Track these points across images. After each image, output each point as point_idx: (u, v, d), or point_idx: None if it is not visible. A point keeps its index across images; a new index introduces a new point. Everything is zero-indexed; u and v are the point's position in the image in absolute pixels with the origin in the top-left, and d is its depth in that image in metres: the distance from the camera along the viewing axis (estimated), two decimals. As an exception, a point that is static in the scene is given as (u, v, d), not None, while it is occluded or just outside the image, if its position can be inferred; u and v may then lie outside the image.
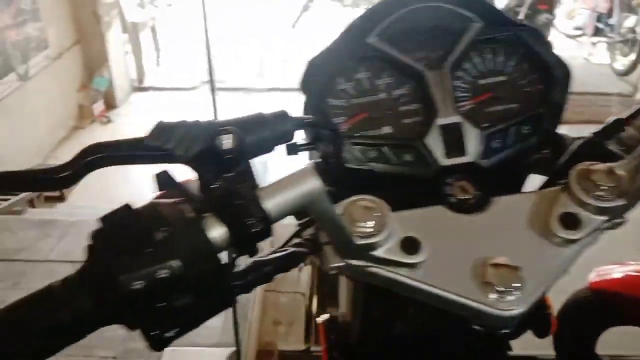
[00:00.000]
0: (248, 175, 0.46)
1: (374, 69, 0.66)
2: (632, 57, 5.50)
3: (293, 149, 0.60)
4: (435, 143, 0.62)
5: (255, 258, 0.51)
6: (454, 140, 0.63)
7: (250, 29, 7.10)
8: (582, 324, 1.59)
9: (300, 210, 0.46)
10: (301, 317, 2.55)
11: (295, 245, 0.57)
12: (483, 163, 0.63)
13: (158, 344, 0.42)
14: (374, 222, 0.53)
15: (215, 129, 0.45)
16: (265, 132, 0.49)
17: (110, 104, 5.59)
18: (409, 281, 0.55)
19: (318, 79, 0.64)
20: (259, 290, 2.56)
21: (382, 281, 0.57)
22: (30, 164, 4.59)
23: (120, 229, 0.39)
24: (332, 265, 0.57)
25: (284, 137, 0.51)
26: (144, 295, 0.38)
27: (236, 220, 0.42)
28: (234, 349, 2.22)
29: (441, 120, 0.63)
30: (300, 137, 0.65)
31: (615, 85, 5.42)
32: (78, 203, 4.17)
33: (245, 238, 0.42)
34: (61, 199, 4.32)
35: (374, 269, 0.56)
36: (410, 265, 0.54)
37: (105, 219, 0.40)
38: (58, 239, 3.17)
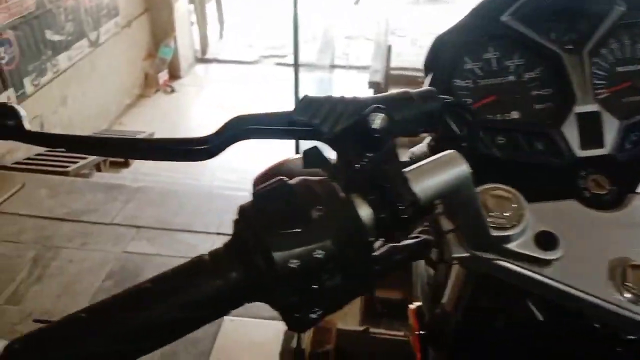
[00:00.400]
0: (393, 156, 0.44)
1: (504, 49, 0.62)
2: None
3: (432, 128, 0.57)
4: (571, 132, 0.59)
5: (391, 244, 0.49)
6: (590, 130, 0.59)
7: (313, 4, 7.05)
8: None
9: (446, 195, 0.44)
10: (357, 300, 2.56)
11: (421, 232, 0.54)
12: (619, 156, 0.59)
13: (300, 325, 0.40)
14: (510, 213, 0.50)
15: (362, 106, 0.43)
16: (412, 111, 0.46)
17: (174, 74, 5.69)
18: (541, 278, 0.52)
19: (445, 56, 0.61)
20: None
21: (511, 276, 0.54)
22: (97, 129, 4.74)
23: (274, 203, 0.38)
24: (455, 255, 0.54)
25: (430, 118, 0.48)
26: (299, 275, 0.37)
27: (385, 204, 0.40)
28: (291, 323, 2.24)
29: (579, 108, 0.59)
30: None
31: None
32: (141, 170, 4.29)
33: (393, 222, 0.40)
34: (126, 164, 4.45)
35: (502, 263, 0.53)
36: (545, 262, 0.51)
37: (259, 193, 0.39)
38: (124, 203, 3.27)
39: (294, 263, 0.37)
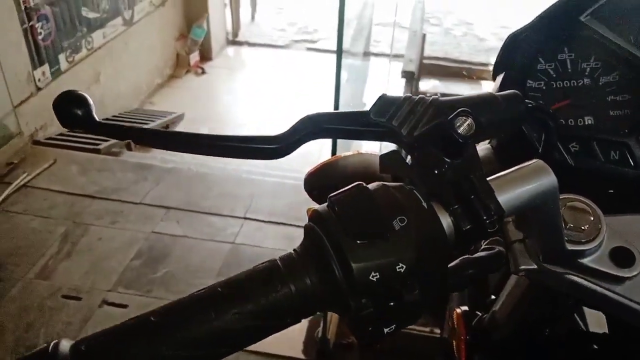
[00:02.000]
0: (476, 163, 0.41)
1: (580, 51, 0.59)
2: None
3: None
4: None
5: (464, 256, 0.47)
6: None
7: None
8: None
9: (531, 207, 0.42)
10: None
11: (491, 242, 0.52)
12: None
13: (372, 339, 0.38)
14: (587, 226, 0.48)
15: (444, 108, 0.41)
16: (496, 115, 0.44)
17: (206, 56, 5.69)
18: (614, 296, 0.49)
19: (519, 56, 0.58)
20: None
21: (581, 292, 0.51)
22: (128, 108, 4.77)
23: (353, 209, 0.36)
24: (523, 267, 0.52)
25: (512, 123, 0.46)
26: (378, 289, 0.35)
27: (471, 216, 0.37)
28: (319, 313, 2.24)
29: None
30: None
31: None
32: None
33: (477, 236, 0.38)
34: (155, 144, 4.47)
35: (574, 278, 0.50)
36: (620, 279, 0.49)
37: (336, 198, 0.37)
38: (154, 184, 3.29)
39: (374, 276, 0.35)
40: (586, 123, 0.59)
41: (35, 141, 3.72)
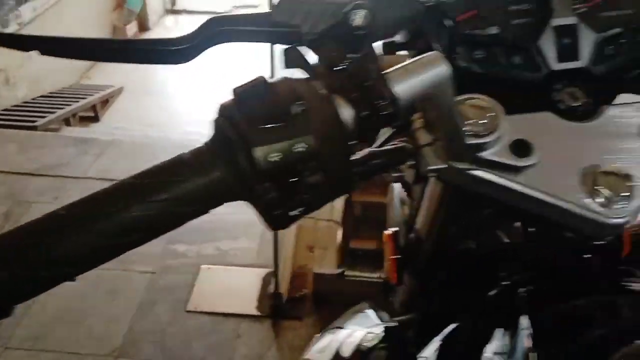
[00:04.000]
0: (374, 57, 0.43)
1: None
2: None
3: (391, 47, 0.58)
4: (547, 45, 0.59)
5: (370, 149, 0.50)
6: (567, 43, 0.59)
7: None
8: None
9: (425, 96, 0.44)
10: (334, 244, 2.59)
11: (399, 142, 0.55)
12: (594, 69, 0.60)
13: (280, 222, 0.41)
14: (486, 121, 0.51)
15: (342, 6, 0.43)
16: (394, 12, 0.46)
17: (143, 26, 5.54)
18: (514, 185, 0.53)
19: None
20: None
21: (485, 185, 0.55)
22: (66, 84, 4.61)
23: (254, 99, 0.38)
24: (432, 167, 0.55)
25: (411, 20, 0.48)
26: (279, 169, 0.37)
27: (365, 102, 0.40)
28: (270, 269, 2.27)
29: (556, 21, 0.59)
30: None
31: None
32: (113, 124, 4.21)
33: (373, 120, 0.40)
34: (96, 119, 4.36)
35: (477, 172, 0.54)
36: (519, 169, 0.53)
37: (239, 90, 0.38)
38: (96, 157, 3.22)
39: (274, 157, 0.37)
40: (492, 32, 0.62)
41: (-33, 121, 3.57)
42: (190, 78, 4.90)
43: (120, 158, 3.18)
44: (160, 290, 2.36)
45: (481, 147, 0.52)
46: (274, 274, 2.15)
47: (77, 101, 4.19)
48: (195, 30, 0.44)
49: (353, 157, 0.47)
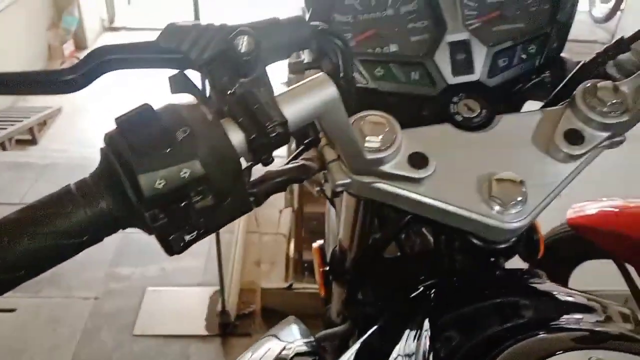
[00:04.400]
0: (264, 81, 0.45)
1: None
2: (611, 4, 5.50)
3: (298, 67, 0.59)
4: (443, 61, 0.62)
5: (268, 168, 0.51)
6: (461, 57, 0.62)
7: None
8: (559, 259, 1.66)
9: (316, 117, 0.46)
10: (282, 257, 2.59)
11: (303, 159, 0.56)
12: (489, 82, 0.63)
13: (176, 247, 0.41)
14: (382, 136, 0.53)
15: (230, 32, 0.44)
16: (281, 37, 0.47)
17: (81, 45, 5.40)
18: (414, 196, 0.56)
19: None
20: (241, 231, 2.57)
21: (388, 197, 0.57)
22: (0, 106, 4.46)
23: (139, 127, 0.38)
24: (339, 182, 0.57)
25: (300, 44, 0.50)
26: (166, 195, 0.38)
27: (255, 125, 0.41)
28: (216, 288, 2.25)
29: (450, 37, 0.62)
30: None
31: (593, 33, 5.43)
32: (51, 146, 4.09)
33: (264, 143, 0.41)
34: (33, 142, 4.22)
35: (381, 185, 0.56)
36: (417, 180, 0.55)
37: (122, 119, 0.39)
38: (32, 181, 3.12)
39: (160, 183, 0.37)
40: (392, 50, 0.64)
41: None
42: (135, 93, 4.83)
43: (58, 182, 3.07)
44: (105, 315, 2.30)
45: (381, 161, 0.54)
46: (221, 291, 2.13)
47: (13, 124, 4.05)
48: (83, 60, 0.44)
49: (249, 178, 0.48)
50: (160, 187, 0.37)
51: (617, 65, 0.66)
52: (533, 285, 0.60)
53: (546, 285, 0.60)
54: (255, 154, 0.42)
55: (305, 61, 0.62)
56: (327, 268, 0.85)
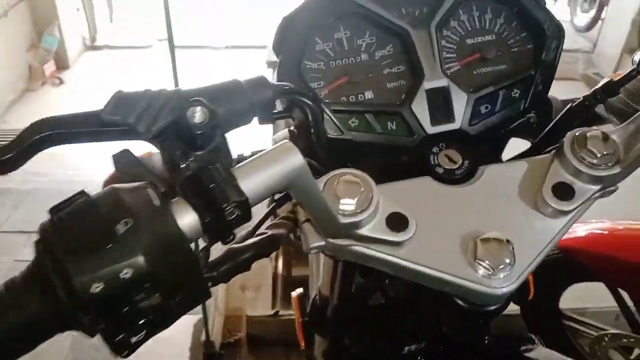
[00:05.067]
0: (222, 153, 0.40)
1: (355, 28, 0.60)
2: (592, 13, 5.53)
3: (267, 118, 0.55)
4: (421, 109, 0.58)
5: (231, 245, 0.46)
6: (440, 105, 0.58)
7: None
8: (549, 281, 1.63)
9: (281, 190, 0.42)
10: (268, 282, 2.53)
11: (272, 226, 0.52)
12: (470, 130, 0.59)
13: (123, 350, 0.37)
14: (358, 198, 0.49)
15: (183, 99, 0.39)
16: (242, 101, 0.43)
17: (62, 64, 5.32)
18: (395, 260, 0.52)
19: (294, 38, 0.58)
20: (225, 255, 2.51)
21: (367, 260, 0.53)
22: (-21, 129, 4.37)
23: (75, 221, 0.34)
24: (313, 245, 0.53)
25: (263, 106, 0.45)
26: (105, 299, 0.33)
27: (210, 207, 0.36)
28: (199, 316, 2.19)
29: (427, 84, 0.58)
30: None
31: (575, 42, 5.46)
32: (32, 170, 4.01)
33: (222, 226, 0.37)
34: (14, 165, 4.14)
35: (358, 248, 0.52)
36: (397, 244, 0.51)
37: (56, 209, 0.34)
38: (12, 209, 3.04)
39: (97, 287, 0.33)
40: (366, 98, 0.60)
41: None
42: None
43: (39, 208, 3.02)
44: (88, 348, 2.23)
45: (357, 225, 0.50)
46: (204, 320, 2.07)
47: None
48: (19, 137, 0.40)
49: (207, 259, 0.43)
50: (97, 291, 0.33)
51: (607, 106, 0.63)
52: (528, 356, 0.56)
53: (542, 353, 0.56)
54: (212, 236, 0.38)
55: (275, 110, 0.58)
56: (307, 319, 0.81)
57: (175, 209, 0.36)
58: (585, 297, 2.02)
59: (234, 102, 0.43)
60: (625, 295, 1.51)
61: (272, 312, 2.18)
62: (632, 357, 1.50)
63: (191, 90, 0.41)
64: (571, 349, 1.76)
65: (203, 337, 2.11)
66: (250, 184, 0.39)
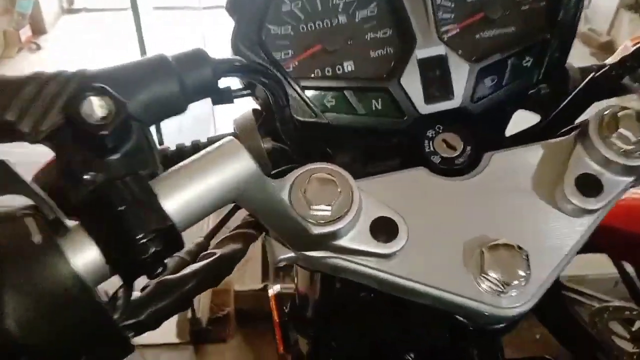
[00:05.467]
0: (144, 156, 0.30)
1: None
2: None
3: (222, 98, 0.44)
4: (412, 83, 0.47)
5: (163, 277, 0.36)
6: (436, 78, 0.48)
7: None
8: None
9: (226, 204, 0.31)
10: (257, 255, 2.45)
11: (226, 239, 0.42)
12: (473, 108, 0.49)
13: None
14: (334, 202, 0.39)
15: (85, 86, 0.28)
16: (169, 84, 0.32)
17: (38, 29, 5.10)
18: (382, 275, 0.42)
19: None
20: (211, 227, 2.42)
21: (348, 274, 0.43)
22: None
23: None
24: (280, 257, 0.43)
25: (204, 89, 0.35)
26: None
27: (118, 239, 0.26)
28: (187, 291, 2.11)
29: (420, 53, 0.47)
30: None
31: None
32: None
33: (137, 264, 0.26)
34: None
35: (336, 261, 0.42)
36: (385, 255, 0.41)
37: None
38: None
39: None
40: (345, 70, 0.49)
41: None
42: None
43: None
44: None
45: (334, 235, 0.39)
46: (190, 298, 1.99)
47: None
48: None
49: (129, 297, 0.33)
50: None
51: (634, 75, 0.52)
52: None
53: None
54: (126, 277, 0.28)
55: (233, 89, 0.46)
56: (286, 319, 0.72)
57: (69, 244, 0.26)
58: (585, 265, 1.97)
59: (157, 86, 0.31)
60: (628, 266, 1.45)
61: (261, 285, 2.10)
62: (634, 329, 1.45)
63: (93, 71, 0.30)
64: (570, 319, 1.71)
65: (190, 314, 2.04)
66: (178, 201, 0.28)
